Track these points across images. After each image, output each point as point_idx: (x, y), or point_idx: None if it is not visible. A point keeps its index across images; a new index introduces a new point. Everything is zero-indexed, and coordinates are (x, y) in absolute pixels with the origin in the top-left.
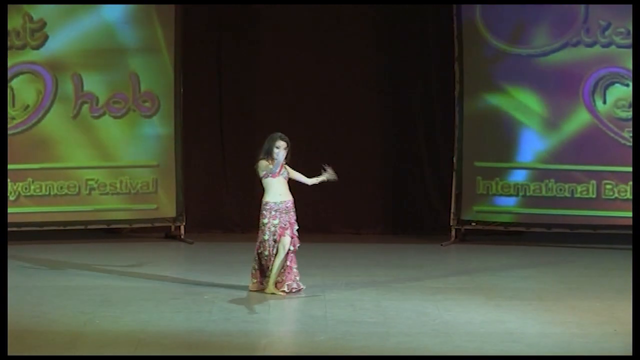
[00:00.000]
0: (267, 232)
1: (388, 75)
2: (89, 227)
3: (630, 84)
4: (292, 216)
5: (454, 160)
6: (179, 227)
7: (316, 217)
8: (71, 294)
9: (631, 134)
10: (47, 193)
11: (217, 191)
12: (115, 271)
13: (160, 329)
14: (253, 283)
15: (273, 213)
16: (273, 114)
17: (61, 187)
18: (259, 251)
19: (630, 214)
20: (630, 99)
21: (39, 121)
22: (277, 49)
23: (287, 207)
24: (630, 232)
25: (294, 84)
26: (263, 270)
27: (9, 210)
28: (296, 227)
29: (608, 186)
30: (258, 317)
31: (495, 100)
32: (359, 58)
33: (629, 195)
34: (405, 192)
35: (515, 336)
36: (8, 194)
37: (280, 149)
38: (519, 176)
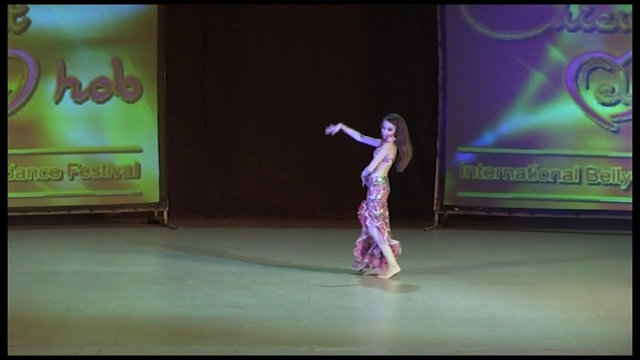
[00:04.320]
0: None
1: (371, 60)
2: (72, 212)
3: (613, 68)
4: (371, 192)
5: (437, 146)
6: (162, 212)
7: (300, 202)
8: (55, 279)
9: (615, 120)
10: (30, 178)
11: (200, 176)
12: (98, 257)
13: (144, 315)
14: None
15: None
16: (257, 99)
17: (44, 173)
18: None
19: (613, 199)
20: (613, 84)
21: (21, 106)
22: (262, 33)
23: (370, 181)
24: (614, 217)
25: (278, 69)
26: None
27: None
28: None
29: (591, 171)
30: (241, 302)
31: (479, 86)
32: (342, 43)
33: (612, 180)
34: (389, 178)
35: (499, 321)
36: None
37: (385, 130)
38: (502, 161)
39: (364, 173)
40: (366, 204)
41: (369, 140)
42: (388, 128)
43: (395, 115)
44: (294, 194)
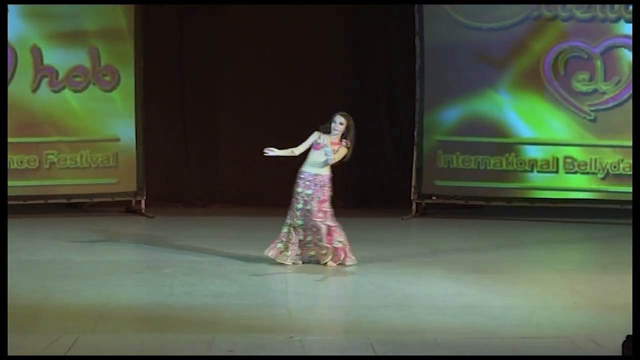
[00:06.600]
0: (301, 201)
1: (349, 49)
2: (49, 201)
3: (590, 57)
4: (326, 192)
5: (415, 134)
6: (140, 201)
7: (279, 191)
8: (32, 268)
9: (592, 108)
10: (7, 167)
11: (177, 165)
12: (75, 245)
13: (122, 303)
14: (277, 250)
15: (307, 183)
16: (235, 88)
17: (21, 162)
18: (291, 220)
19: (590, 188)
20: (590, 72)
21: None
22: (239, 22)
23: (321, 182)
24: (591, 205)
25: (256, 57)
26: (291, 241)
27: None
28: (327, 204)
29: (568, 160)
30: (219, 291)
31: (456, 74)
32: (320, 32)
33: (589, 169)
34: (367, 167)
35: (477, 309)
36: None
37: (336, 124)
38: (479, 150)
39: (327, 153)
40: (318, 201)
41: (304, 146)
42: (340, 122)
43: (346, 112)
44: (272, 183)
